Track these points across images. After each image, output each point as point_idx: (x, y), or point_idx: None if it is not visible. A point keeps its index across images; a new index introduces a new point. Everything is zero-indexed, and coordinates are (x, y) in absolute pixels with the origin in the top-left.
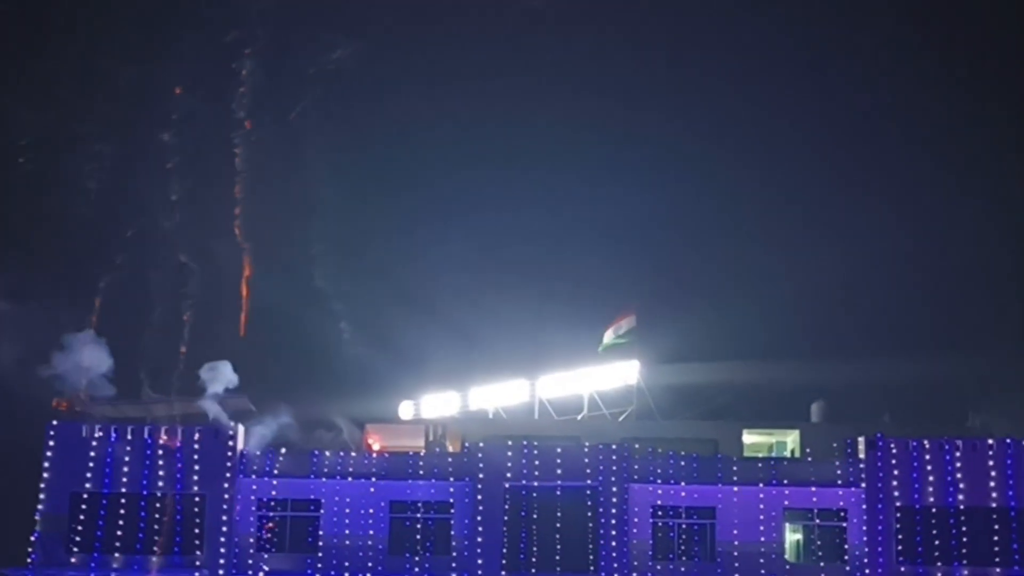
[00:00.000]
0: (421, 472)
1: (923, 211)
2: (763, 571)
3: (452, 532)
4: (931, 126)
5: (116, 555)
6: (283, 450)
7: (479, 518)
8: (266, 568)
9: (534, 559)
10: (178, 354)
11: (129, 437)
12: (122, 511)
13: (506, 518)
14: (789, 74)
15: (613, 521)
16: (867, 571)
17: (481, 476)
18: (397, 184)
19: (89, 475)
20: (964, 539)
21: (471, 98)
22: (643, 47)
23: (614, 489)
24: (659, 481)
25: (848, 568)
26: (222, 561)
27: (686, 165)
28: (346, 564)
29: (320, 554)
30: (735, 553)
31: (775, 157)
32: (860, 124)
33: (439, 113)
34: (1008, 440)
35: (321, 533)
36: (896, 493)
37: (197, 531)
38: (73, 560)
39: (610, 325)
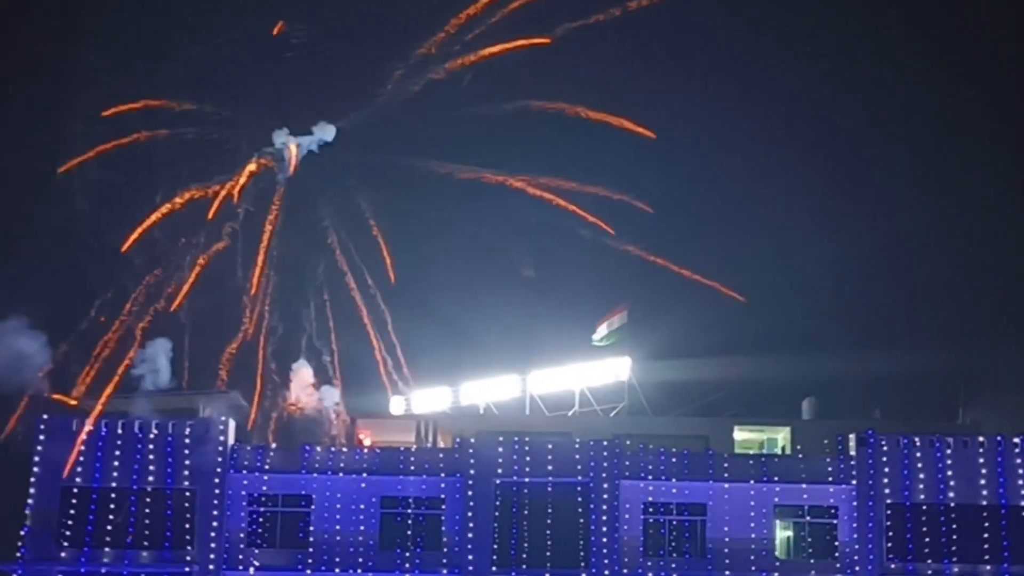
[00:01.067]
0: (412, 468)
1: (914, 207)
2: (753, 568)
3: (443, 528)
4: (924, 119)
5: (106, 550)
6: (273, 445)
7: (470, 514)
8: (257, 563)
9: (525, 555)
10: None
11: (119, 432)
12: (112, 506)
13: (497, 514)
14: (781, 68)
15: (604, 517)
16: (857, 568)
17: (472, 472)
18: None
19: (79, 469)
20: (954, 536)
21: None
22: (633, 40)
23: (605, 485)
24: (650, 477)
25: (838, 565)
26: (213, 556)
27: (676, 160)
28: (337, 559)
29: (311, 549)
30: (726, 550)
31: (766, 151)
32: (851, 117)
33: (434, 109)
34: (999, 437)
35: (312, 528)
36: (887, 490)
37: (188, 526)
38: (63, 555)
39: (603, 320)
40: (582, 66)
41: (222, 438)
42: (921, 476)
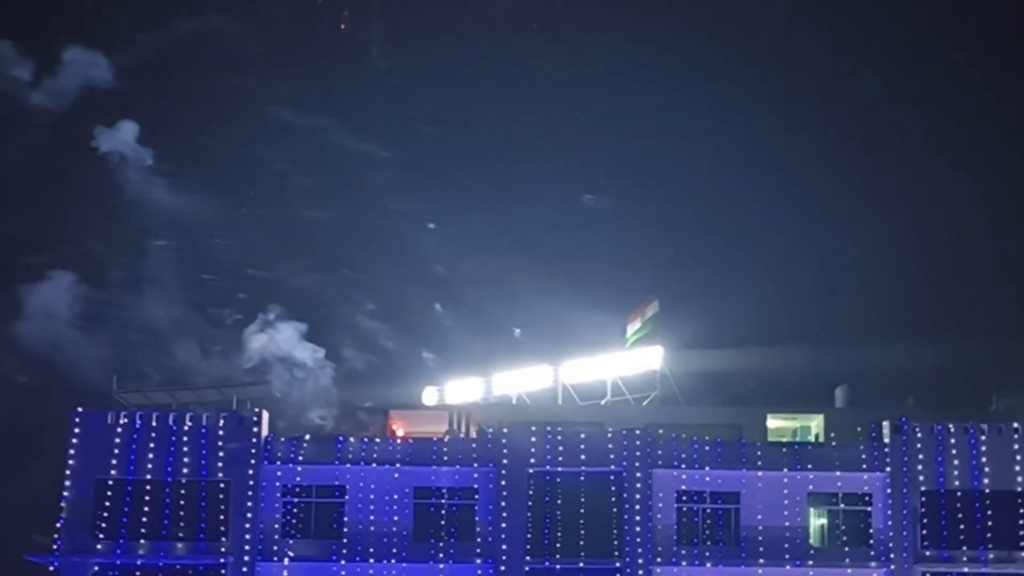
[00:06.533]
0: (445, 458)
1: (947, 197)
2: (787, 555)
3: (476, 518)
4: (957, 110)
5: (141, 541)
6: (307, 436)
7: (503, 504)
8: (291, 554)
9: (558, 544)
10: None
11: (154, 424)
12: (147, 498)
13: (530, 504)
14: (809, 63)
15: (637, 506)
16: (892, 555)
17: (505, 462)
18: (423, 171)
19: (114, 462)
20: (989, 523)
21: (497, 88)
22: (664, 33)
23: (638, 474)
24: (683, 466)
25: (873, 552)
26: (247, 547)
27: (708, 152)
28: (371, 550)
29: (345, 540)
30: (759, 538)
31: (797, 142)
32: (880, 110)
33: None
34: None
35: (346, 519)
36: (921, 477)
37: (222, 517)
38: (98, 547)
39: (634, 316)
40: None
41: (256, 429)
42: (955, 463)
